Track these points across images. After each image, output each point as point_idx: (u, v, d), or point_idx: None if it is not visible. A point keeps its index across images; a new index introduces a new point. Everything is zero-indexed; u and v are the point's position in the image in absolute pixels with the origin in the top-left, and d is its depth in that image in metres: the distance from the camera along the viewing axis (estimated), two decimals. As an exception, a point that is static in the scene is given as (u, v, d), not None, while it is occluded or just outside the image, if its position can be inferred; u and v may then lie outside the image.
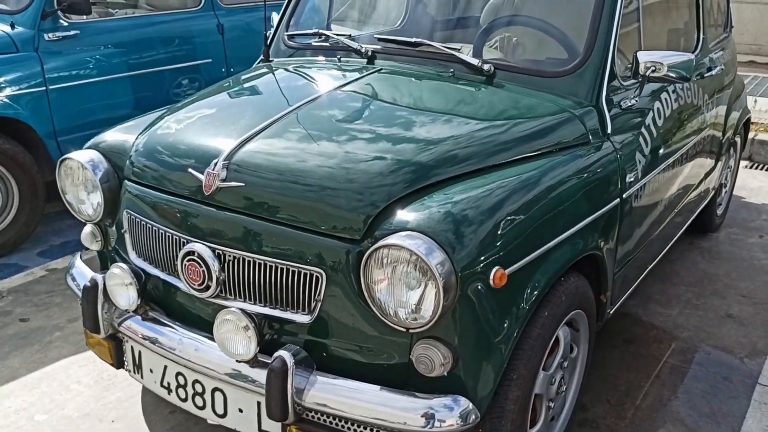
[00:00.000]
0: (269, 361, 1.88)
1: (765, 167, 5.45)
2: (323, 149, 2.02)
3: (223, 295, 2.01)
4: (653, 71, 2.40)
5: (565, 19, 2.58)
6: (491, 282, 1.77)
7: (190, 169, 2.05)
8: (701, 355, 2.95)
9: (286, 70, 2.74)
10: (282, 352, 1.85)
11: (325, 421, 1.91)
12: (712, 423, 2.54)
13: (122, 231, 2.27)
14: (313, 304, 1.89)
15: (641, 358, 2.91)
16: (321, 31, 2.90)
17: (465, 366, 1.82)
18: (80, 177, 2.37)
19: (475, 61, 2.46)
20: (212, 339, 2.02)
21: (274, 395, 1.85)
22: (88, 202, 2.37)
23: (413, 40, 2.63)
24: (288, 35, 3.02)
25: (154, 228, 2.14)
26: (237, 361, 1.94)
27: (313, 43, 2.92)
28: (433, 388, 1.84)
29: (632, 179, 2.42)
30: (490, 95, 2.37)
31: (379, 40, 2.74)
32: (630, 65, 2.49)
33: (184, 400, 2.13)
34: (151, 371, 2.20)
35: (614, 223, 2.34)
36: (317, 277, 1.87)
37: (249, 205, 1.96)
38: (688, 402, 2.65)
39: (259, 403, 1.98)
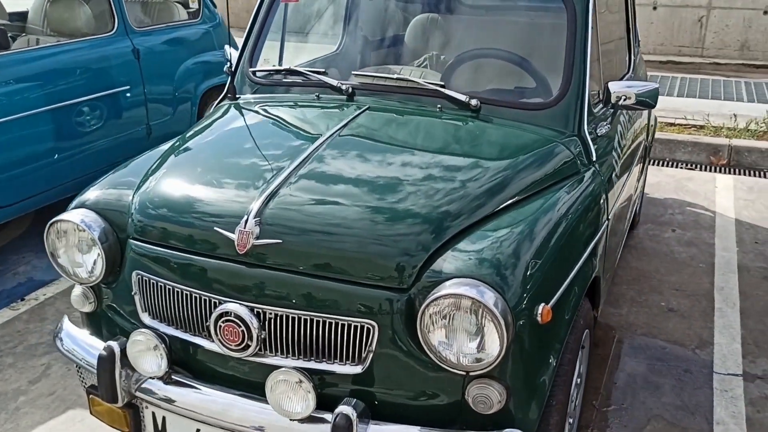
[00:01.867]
0: (325, 417, 1.90)
1: (657, 163, 5.94)
2: (354, 198, 2.04)
3: (263, 352, 1.99)
4: (624, 100, 2.61)
5: (538, 52, 2.73)
6: (539, 318, 1.88)
7: (216, 228, 2.01)
8: (659, 351, 3.22)
9: (268, 110, 2.71)
10: (344, 408, 1.86)
11: (386, 470, 1.95)
12: (688, 415, 2.80)
13: (132, 293, 2.18)
14: (363, 355, 1.92)
15: (611, 360, 3.14)
16: (294, 68, 2.89)
17: (516, 399, 1.92)
18: (75, 239, 2.24)
19: (462, 97, 2.55)
20: (253, 398, 2.01)
21: (339, 450, 1.86)
22: (85, 265, 2.25)
23: (395, 76, 2.69)
24: (254, 71, 2.98)
25: (176, 289, 2.07)
26: (291, 419, 1.94)
27: (285, 80, 2.90)
28: (484, 422, 1.92)
29: (613, 200, 2.62)
30: (487, 132, 2.48)
31: (356, 75, 2.78)
32: (598, 93, 2.68)
33: (221, 462, 2.09)
34: (179, 436, 2.14)
35: (604, 242, 2.53)
36: (368, 329, 1.90)
37: (288, 261, 1.95)
38: (661, 398, 2.90)
39: (310, 460, 1.98)
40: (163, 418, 2.15)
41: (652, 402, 2.87)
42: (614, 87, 2.62)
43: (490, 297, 1.79)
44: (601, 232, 2.43)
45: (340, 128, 2.39)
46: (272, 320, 1.96)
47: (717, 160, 5.89)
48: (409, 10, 3.33)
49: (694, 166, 5.87)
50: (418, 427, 1.90)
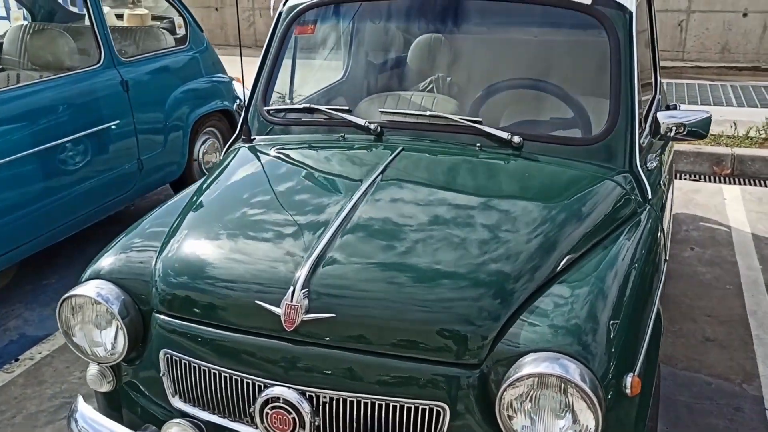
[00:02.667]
0: None
1: (659, 174, 5.80)
2: (411, 260, 1.84)
3: (316, 439, 1.78)
4: (674, 131, 2.44)
5: (575, 80, 2.55)
6: (628, 390, 1.69)
7: (258, 301, 1.79)
8: (705, 387, 3.05)
9: (292, 155, 2.49)
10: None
11: None
12: (749, 460, 2.63)
13: (160, 374, 1.94)
14: (432, 439, 1.72)
15: (659, 401, 2.96)
16: (314, 105, 2.67)
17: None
18: (92, 314, 2.00)
19: (504, 135, 2.36)
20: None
21: None
22: (104, 343, 2.01)
23: (428, 113, 2.49)
24: (269, 110, 2.75)
25: (212, 370, 1.85)
26: None
27: (305, 119, 2.69)
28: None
29: (667, 236, 2.45)
30: (537, 172, 2.29)
31: (384, 113, 2.57)
32: (640, 123, 2.51)
33: None
34: None
35: (663, 287, 2.35)
36: (438, 412, 1.69)
37: (343, 338, 1.74)
38: (717, 441, 2.73)
39: None
40: None
41: (707, 445, 2.70)
42: (663, 117, 2.45)
43: (576, 371, 1.61)
44: (663, 277, 2.25)
45: (378, 175, 2.18)
46: (326, 405, 1.75)
47: (721, 170, 5.78)
48: (417, 32, 3.12)
49: (698, 177, 5.75)
50: None
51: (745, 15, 9.36)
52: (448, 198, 2.16)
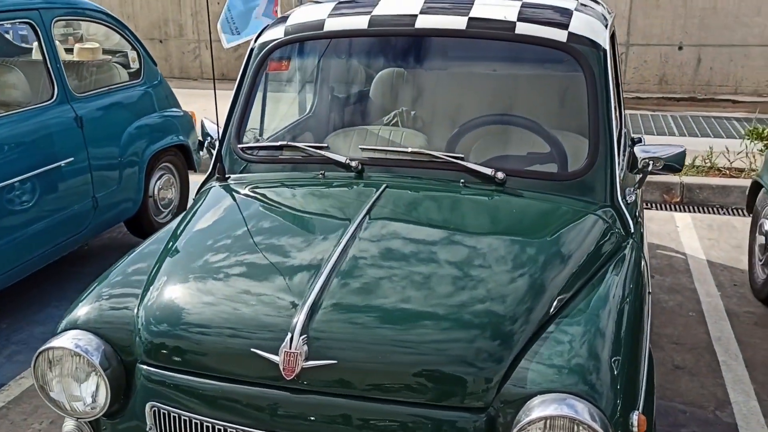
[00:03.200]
0: None
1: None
2: (410, 306, 1.80)
3: (319, 492, 1.70)
4: (651, 165, 2.48)
5: (556, 117, 2.58)
6: (635, 429, 1.68)
7: (254, 349, 1.72)
8: (681, 416, 3.08)
9: (271, 194, 2.43)
10: None
11: None
12: (730, 488, 2.66)
13: (147, 429, 1.84)
14: (441, 488, 1.67)
15: None
16: (291, 143, 2.62)
17: None
18: (71, 367, 1.89)
19: (487, 171, 2.36)
20: None
21: None
22: (84, 397, 1.90)
23: (410, 149, 2.47)
24: (243, 147, 2.69)
25: (206, 424, 1.76)
26: None
27: (282, 156, 2.64)
28: None
29: (648, 268, 2.48)
30: (523, 208, 2.29)
31: (364, 150, 2.54)
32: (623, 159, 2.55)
33: None
34: None
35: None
36: (446, 458, 1.65)
37: (345, 385, 1.68)
38: (698, 470, 2.75)
39: None
40: None
41: (690, 476, 2.72)
42: (640, 152, 2.49)
43: (585, 410, 1.59)
44: (649, 309, 2.27)
45: (365, 214, 2.14)
46: (329, 455, 1.68)
47: (670, 198, 5.95)
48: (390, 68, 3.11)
49: (649, 205, 5.89)
50: None
51: (680, 48, 9.73)
52: (439, 237, 2.13)
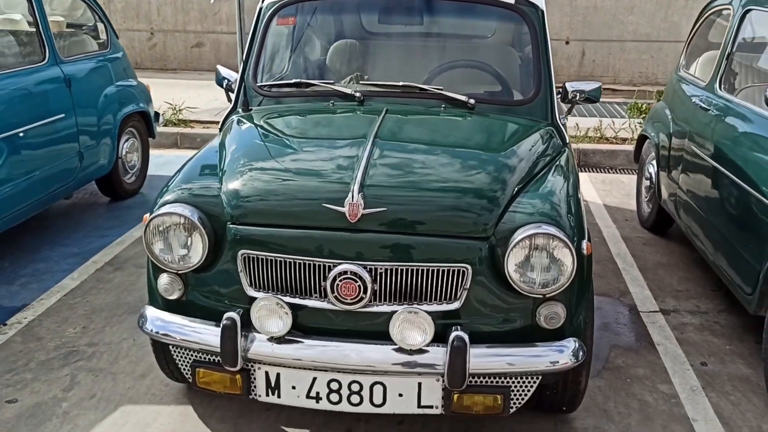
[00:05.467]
0: (431, 348, 2.35)
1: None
2: (431, 172, 2.55)
3: (372, 303, 2.40)
4: (578, 97, 3.34)
5: (508, 60, 3.40)
6: (584, 251, 2.49)
7: (325, 204, 2.40)
8: (597, 302, 3.97)
9: (299, 114, 3.12)
10: (458, 333, 2.33)
11: (481, 382, 2.44)
12: (634, 342, 3.56)
13: (239, 271, 2.48)
14: (459, 293, 2.41)
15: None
16: (304, 80, 3.30)
17: (571, 316, 2.50)
18: (175, 230, 2.49)
19: (462, 98, 3.14)
20: (366, 343, 2.40)
21: (457, 367, 2.32)
22: (189, 253, 2.49)
23: (401, 83, 3.21)
24: (261, 85, 3.34)
25: (287, 261, 2.42)
26: (409, 352, 2.36)
27: (296, 91, 3.31)
28: (549, 336, 2.48)
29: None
30: (493, 122, 3.08)
31: (364, 84, 3.26)
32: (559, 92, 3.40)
33: (337, 402, 2.45)
34: (294, 387, 2.46)
35: None
36: (463, 272, 2.39)
37: (392, 225, 2.39)
38: (612, 333, 3.64)
39: (419, 384, 2.42)
40: (277, 375, 2.47)
41: (607, 337, 3.60)
42: (570, 86, 3.35)
43: (560, 231, 2.37)
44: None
45: (379, 123, 2.86)
46: (382, 274, 2.39)
47: (569, 161, 6.96)
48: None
49: (552, 168, 6.89)
50: (509, 347, 2.42)
51: (567, 43, 10.93)
52: (437, 138, 2.89)
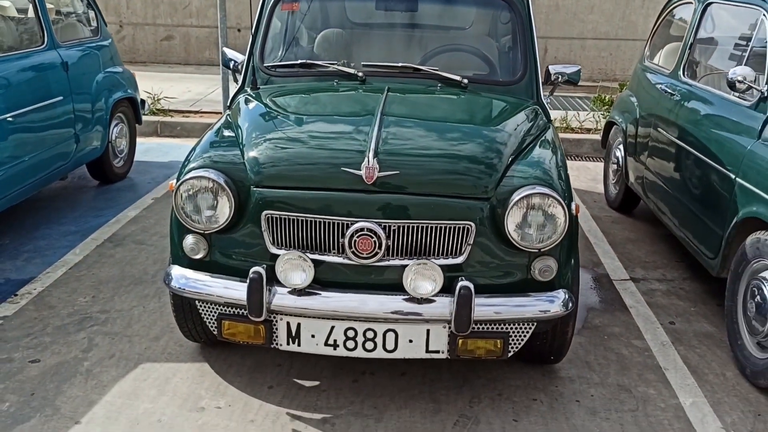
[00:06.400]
0: (438, 298, 2.62)
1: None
2: (438, 141, 2.84)
3: (386, 257, 2.66)
4: (559, 79, 3.65)
5: (497, 44, 3.69)
6: (573, 211, 2.79)
7: (343, 168, 2.65)
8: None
9: (309, 91, 3.37)
10: (464, 283, 2.60)
11: (483, 328, 2.71)
12: (609, 305, 3.89)
13: (261, 230, 2.71)
14: (464, 248, 2.68)
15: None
16: (310, 61, 3.54)
17: (562, 270, 2.78)
18: (207, 192, 2.70)
19: (456, 77, 3.42)
20: (381, 294, 2.66)
21: (463, 314, 2.59)
22: (216, 214, 2.71)
23: (400, 64, 3.47)
24: (268, 66, 3.57)
25: (308, 220, 2.66)
26: (419, 301, 2.62)
27: (302, 71, 3.54)
28: (543, 287, 2.77)
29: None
30: (487, 100, 3.36)
31: (365, 66, 3.51)
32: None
33: (353, 349, 2.70)
34: (313, 336, 2.70)
35: None
36: (467, 228, 2.67)
37: (405, 186, 2.65)
38: (589, 297, 3.96)
39: (428, 330, 2.68)
40: (298, 325, 2.70)
41: (584, 300, 3.92)
42: (552, 69, 3.66)
43: (554, 192, 2.66)
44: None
45: (383, 100, 3.11)
46: (395, 231, 2.65)
47: (537, 150, 7.31)
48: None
49: (521, 156, 7.24)
50: (508, 296, 2.70)
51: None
52: (438, 113, 3.17)
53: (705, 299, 4.03)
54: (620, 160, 5.30)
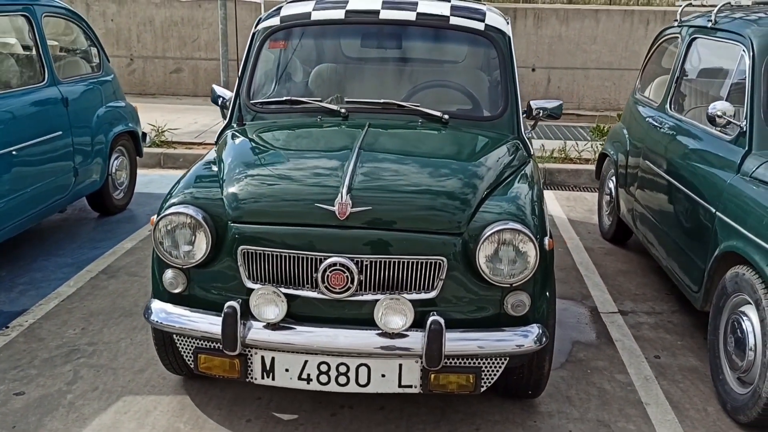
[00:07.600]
0: (410, 333, 2.64)
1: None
2: (411, 177, 2.89)
3: (359, 292, 2.69)
4: (541, 113, 3.70)
5: (478, 80, 3.75)
6: (547, 246, 2.81)
7: (317, 204, 2.70)
8: (560, 304, 4.30)
9: (291, 128, 3.44)
10: (435, 318, 2.63)
11: (455, 363, 2.73)
12: (594, 339, 3.89)
13: (237, 266, 2.76)
14: (436, 283, 2.71)
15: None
16: (294, 98, 3.62)
17: (535, 304, 2.81)
18: (181, 228, 2.77)
19: (437, 113, 3.48)
20: (353, 328, 2.69)
21: (434, 348, 2.61)
22: (193, 249, 2.76)
23: (382, 101, 3.54)
24: (254, 102, 3.65)
25: (283, 254, 2.71)
26: (391, 336, 2.65)
27: (287, 107, 3.62)
28: (516, 323, 2.79)
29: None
30: (466, 136, 3.42)
31: (348, 102, 3.58)
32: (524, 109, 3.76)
33: (326, 383, 2.72)
34: (287, 370, 2.73)
35: None
36: (439, 263, 2.70)
37: (377, 222, 2.70)
38: (573, 331, 3.96)
39: (400, 365, 2.71)
40: (272, 359, 2.74)
41: (570, 334, 3.92)
42: (534, 104, 3.71)
43: (525, 228, 2.70)
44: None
45: (363, 135, 3.17)
46: (367, 266, 2.69)
47: (536, 181, 7.34)
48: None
49: (520, 186, 7.26)
50: (480, 332, 2.72)
51: (533, 70, 11.41)
52: (416, 149, 3.23)
53: (692, 333, 4.02)
54: (612, 191, 5.33)
